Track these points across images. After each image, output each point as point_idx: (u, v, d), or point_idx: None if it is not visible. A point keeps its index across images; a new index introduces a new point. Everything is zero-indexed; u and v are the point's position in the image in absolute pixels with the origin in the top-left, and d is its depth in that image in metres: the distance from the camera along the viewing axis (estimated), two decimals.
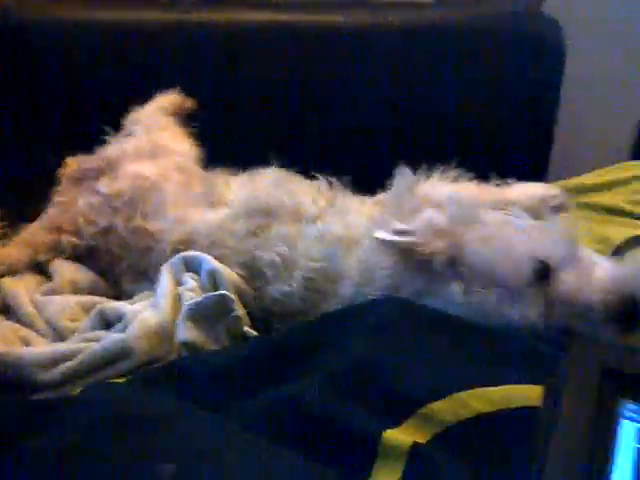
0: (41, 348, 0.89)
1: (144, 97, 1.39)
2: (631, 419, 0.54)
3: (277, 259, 1.01)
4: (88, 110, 1.39)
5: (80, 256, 1.17)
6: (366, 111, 1.44)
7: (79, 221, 1.17)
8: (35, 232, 1.19)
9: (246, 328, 0.94)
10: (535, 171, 1.55)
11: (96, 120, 1.29)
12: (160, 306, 0.94)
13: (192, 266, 1.02)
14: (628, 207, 1.03)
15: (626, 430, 0.53)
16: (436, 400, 0.66)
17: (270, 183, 1.13)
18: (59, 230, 1.18)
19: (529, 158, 1.52)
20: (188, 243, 1.08)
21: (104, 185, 1.19)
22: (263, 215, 1.07)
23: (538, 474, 0.50)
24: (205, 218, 1.11)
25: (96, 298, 1.04)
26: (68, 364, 0.86)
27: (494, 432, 0.64)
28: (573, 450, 0.50)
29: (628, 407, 0.54)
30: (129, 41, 1.41)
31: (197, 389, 0.76)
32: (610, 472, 0.50)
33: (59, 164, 1.28)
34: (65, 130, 1.36)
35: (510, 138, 1.41)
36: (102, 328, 0.96)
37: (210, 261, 1.00)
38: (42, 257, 1.16)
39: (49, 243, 1.17)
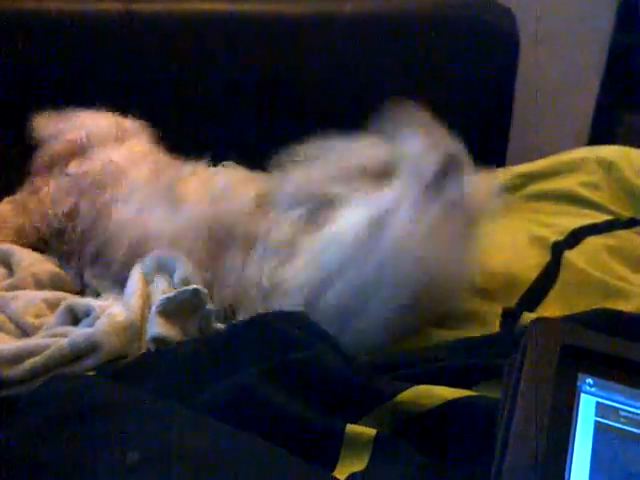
0: (6, 344, 0.88)
1: (89, 93, 1.38)
2: (590, 393, 0.55)
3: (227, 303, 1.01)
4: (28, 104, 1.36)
5: (46, 240, 1.17)
6: (320, 100, 1.44)
7: (46, 203, 1.17)
8: (4, 216, 1.19)
9: (218, 324, 0.94)
10: (493, 158, 1.58)
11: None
12: (129, 303, 0.94)
13: (166, 269, 1.01)
14: (583, 191, 1.04)
15: (585, 404, 0.54)
16: (401, 392, 0.67)
17: (223, 191, 1.12)
18: (26, 214, 1.18)
19: (486, 145, 1.54)
20: (143, 243, 1.07)
21: (73, 167, 1.19)
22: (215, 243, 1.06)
23: (501, 449, 0.51)
24: (162, 227, 1.09)
25: (60, 294, 1.02)
26: (34, 359, 0.85)
27: (459, 418, 0.65)
28: (534, 424, 0.51)
29: (587, 382, 0.55)
30: (75, 34, 1.38)
31: (160, 379, 0.76)
32: (571, 445, 0.51)
33: None
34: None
35: (467, 126, 1.41)
36: (70, 324, 0.95)
37: (185, 268, 0.99)
38: (9, 240, 1.15)
39: (16, 227, 1.17)
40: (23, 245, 1.16)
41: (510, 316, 0.86)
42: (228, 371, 0.72)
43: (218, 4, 1.46)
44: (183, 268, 0.99)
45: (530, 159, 1.22)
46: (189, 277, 0.98)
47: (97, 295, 1.07)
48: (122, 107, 1.28)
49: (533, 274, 0.93)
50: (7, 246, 1.11)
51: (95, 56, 1.38)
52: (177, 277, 0.99)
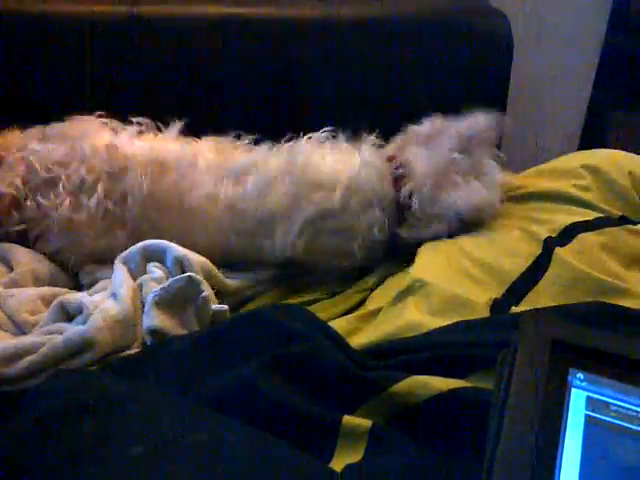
0: (3, 343, 0.88)
1: (96, 93, 1.39)
2: (581, 388, 0.55)
3: None
4: (37, 103, 1.38)
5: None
6: (320, 102, 1.46)
7: (19, 167, 1.10)
8: None
9: (214, 306, 0.94)
10: None
11: (44, 113, 1.28)
12: (119, 295, 0.94)
13: (155, 256, 1.01)
14: (575, 192, 1.05)
15: (576, 398, 0.55)
16: (396, 383, 0.68)
17: None
18: None
19: None
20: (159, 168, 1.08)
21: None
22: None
23: (493, 442, 0.52)
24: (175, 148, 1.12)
25: (57, 289, 1.03)
26: (30, 358, 0.86)
27: (453, 410, 0.66)
28: (526, 418, 0.52)
29: (578, 377, 0.56)
30: (81, 35, 1.39)
31: (160, 373, 0.77)
32: (562, 438, 0.52)
33: None
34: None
35: None
36: (63, 320, 0.95)
37: (176, 248, 1.00)
38: None
39: None
40: None
41: (499, 308, 0.87)
42: (227, 364, 0.73)
43: (221, 7, 1.47)
44: (174, 250, 0.99)
45: (523, 159, 1.23)
46: (181, 258, 0.98)
47: (91, 285, 1.07)
48: (127, 107, 1.29)
49: (522, 266, 0.94)
50: (7, 244, 1.10)
51: (101, 57, 1.40)
52: (170, 259, 0.99)
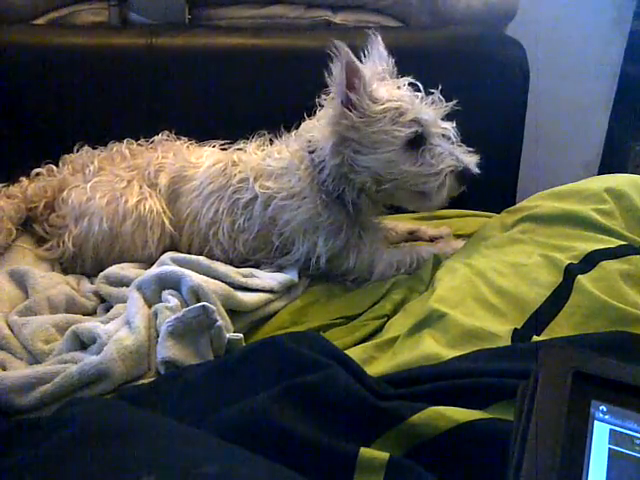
0: (18, 372, 0.88)
1: (115, 121, 1.41)
2: (604, 421, 0.54)
3: None
4: (59, 133, 1.42)
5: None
6: None
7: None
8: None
9: (229, 334, 0.94)
10: (503, 189, 1.58)
11: (65, 143, 1.31)
12: (134, 324, 0.94)
13: (170, 283, 1.02)
14: (597, 217, 1.03)
15: (599, 432, 0.53)
16: (414, 414, 0.67)
17: None
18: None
19: (497, 176, 1.54)
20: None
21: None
22: None
23: (514, 476, 0.51)
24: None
25: (71, 317, 1.03)
26: (44, 387, 0.86)
27: (472, 442, 0.65)
28: (547, 452, 0.51)
29: (601, 409, 0.55)
30: (101, 65, 1.44)
31: (174, 403, 0.76)
32: (585, 473, 0.50)
33: None
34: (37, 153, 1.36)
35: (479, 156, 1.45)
36: (77, 349, 0.95)
37: (191, 277, 1.00)
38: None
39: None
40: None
41: (520, 338, 0.86)
42: (242, 394, 0.72)
43: (232, 39, 1.51)
44: (190, 279, 0.99)
45: (542, 188, 1.22)
46: (196, 288, 0.99)
47: (107, 310, 1.07)
48: (144, 133, 1.32)
49: (543, 295, 0.93)
50: (25, 268, 1.11)
51: (120, 86, 1.45)
52: (185, 288, 1.00)
